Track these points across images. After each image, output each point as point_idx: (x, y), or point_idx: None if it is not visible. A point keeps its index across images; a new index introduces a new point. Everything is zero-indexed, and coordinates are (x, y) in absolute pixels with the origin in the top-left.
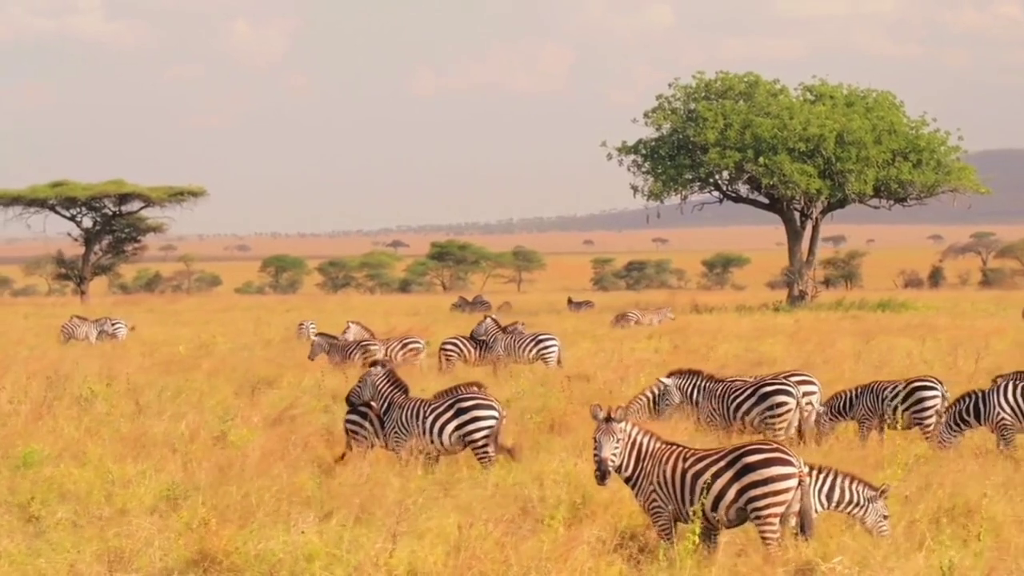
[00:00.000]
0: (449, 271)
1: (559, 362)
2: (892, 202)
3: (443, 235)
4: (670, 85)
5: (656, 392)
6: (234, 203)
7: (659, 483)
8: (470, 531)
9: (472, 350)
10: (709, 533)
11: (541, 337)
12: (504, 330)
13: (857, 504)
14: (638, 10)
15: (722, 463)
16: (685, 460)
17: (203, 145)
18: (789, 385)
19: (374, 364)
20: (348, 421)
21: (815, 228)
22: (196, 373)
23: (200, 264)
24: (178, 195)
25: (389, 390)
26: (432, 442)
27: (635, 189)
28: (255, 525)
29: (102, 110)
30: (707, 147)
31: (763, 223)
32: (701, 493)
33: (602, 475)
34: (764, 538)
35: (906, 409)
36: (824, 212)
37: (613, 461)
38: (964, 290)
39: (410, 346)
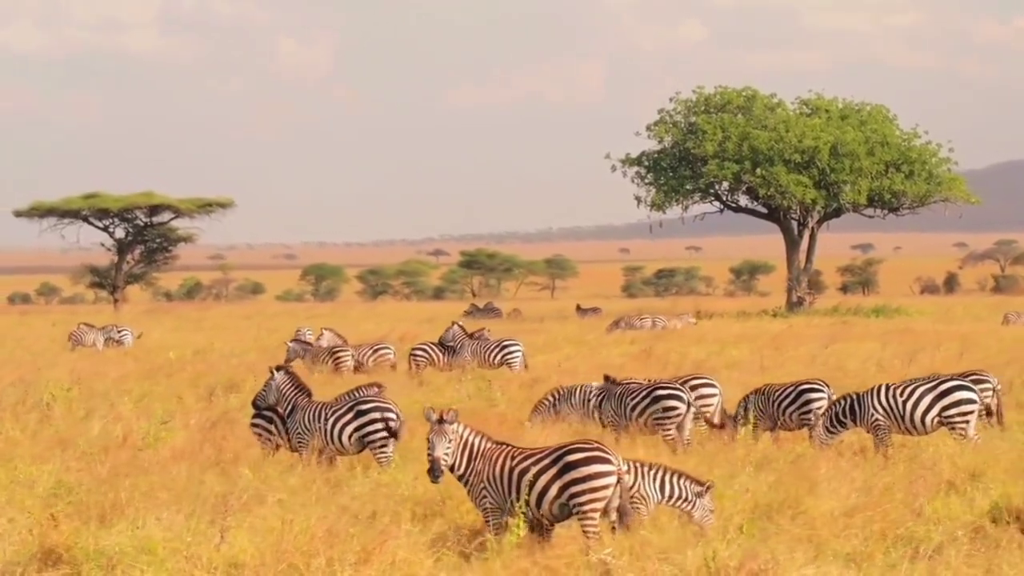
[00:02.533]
0: (479, 278)
1: (525, 366)
2: (886, 212)
3: (484, 243)
4: (671, 99)
5: (558, 395)
6: (283, 214)
7: (489, 480)
8: (292, 526)
9: (440, 355)
10: (542, 527)
11: (505, 343)
12: (471, 336)
13: (685, 499)
14: (670, 25)
15: (546, 461)
16: (513, 459)
17: (254, 157)
18: (681, 390)
19: (278, 369)
20: (254, 424)
21: (812, 237)
22: (173, 378)
23: (247, 272)
24: (206, 206)
25: (292, 393)
26: (332, 443)
27: (638, 200)
28: (115, 520)
29: (155, 123)
30: (706, 159)
31: None
32: (527, 489)
33: (435, 474)
34: (584, 531)
35: (795, 411)
36: (820, 222)
37: (446, 460)
38: (978, 296)
39: (380, 352)
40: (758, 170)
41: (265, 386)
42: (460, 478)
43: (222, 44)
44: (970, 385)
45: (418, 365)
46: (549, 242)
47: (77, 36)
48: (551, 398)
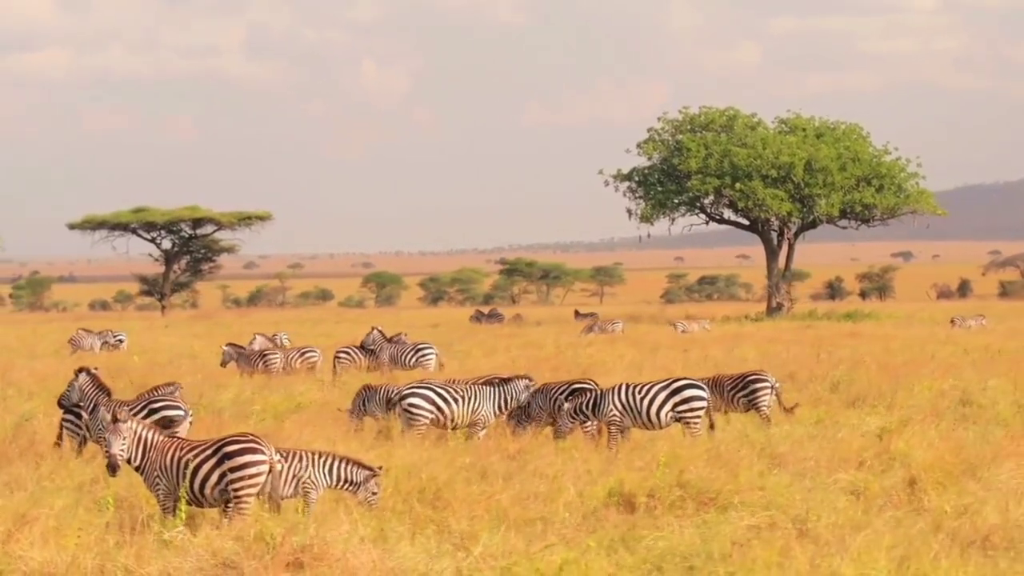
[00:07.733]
0: (520, 285)
1: (440, 367)
2: (859, 223)
3: (551, 253)
4: (659, 119)
5: (366, 394)
6: (363, 226)
7: (161, 470)
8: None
9: (362, 357)
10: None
11: (420, 346)
12: (389, 340)
13: (352, 483)
14: (727, 49)
15: (208, 452)
16: (181, 450)
17: (337, 174)
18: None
19: (80, 371)
20: (65, 420)
21: (790, 247)
22: (115, 382)
23: (320, 280)
24: (246, 219)
25: (94, 393)
26: None
27: (629, 213)
28: None
29: (239, 144)
30: (690, 174)
31: (837, 240)
32: (191, 477)
33: (112, 468)
34: (239, 513)
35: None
36: (797, 233)
37: (122, 455)
38: (991, 301)
39: (307, 355)
40: (737, 185)
41: (69, 387)
42: (137, 469)
43: (306, 68)
44: (700, 384)
45: (341, 366)
46: (611, 251)
47: (170, 60)
48: (359, 397)
